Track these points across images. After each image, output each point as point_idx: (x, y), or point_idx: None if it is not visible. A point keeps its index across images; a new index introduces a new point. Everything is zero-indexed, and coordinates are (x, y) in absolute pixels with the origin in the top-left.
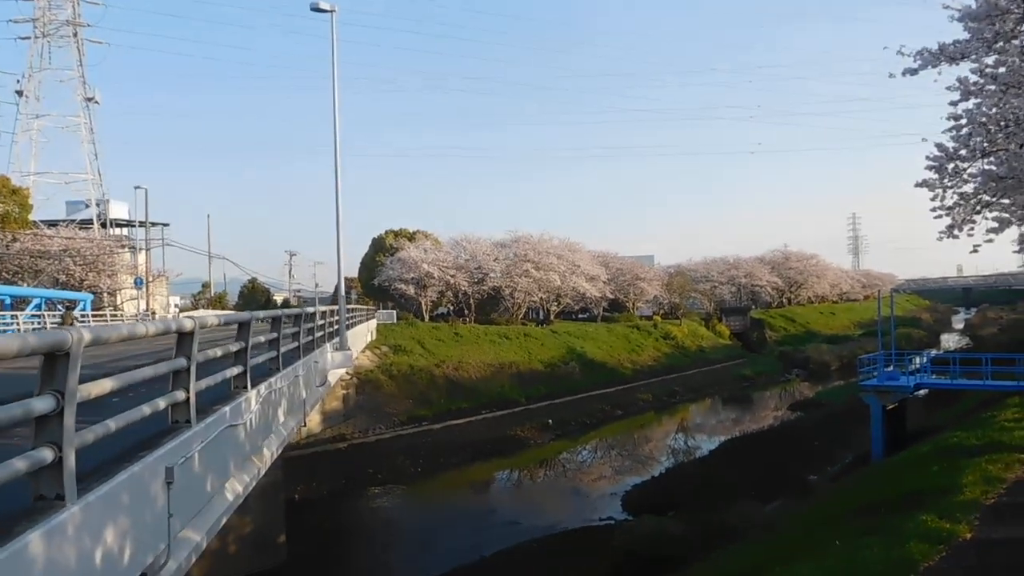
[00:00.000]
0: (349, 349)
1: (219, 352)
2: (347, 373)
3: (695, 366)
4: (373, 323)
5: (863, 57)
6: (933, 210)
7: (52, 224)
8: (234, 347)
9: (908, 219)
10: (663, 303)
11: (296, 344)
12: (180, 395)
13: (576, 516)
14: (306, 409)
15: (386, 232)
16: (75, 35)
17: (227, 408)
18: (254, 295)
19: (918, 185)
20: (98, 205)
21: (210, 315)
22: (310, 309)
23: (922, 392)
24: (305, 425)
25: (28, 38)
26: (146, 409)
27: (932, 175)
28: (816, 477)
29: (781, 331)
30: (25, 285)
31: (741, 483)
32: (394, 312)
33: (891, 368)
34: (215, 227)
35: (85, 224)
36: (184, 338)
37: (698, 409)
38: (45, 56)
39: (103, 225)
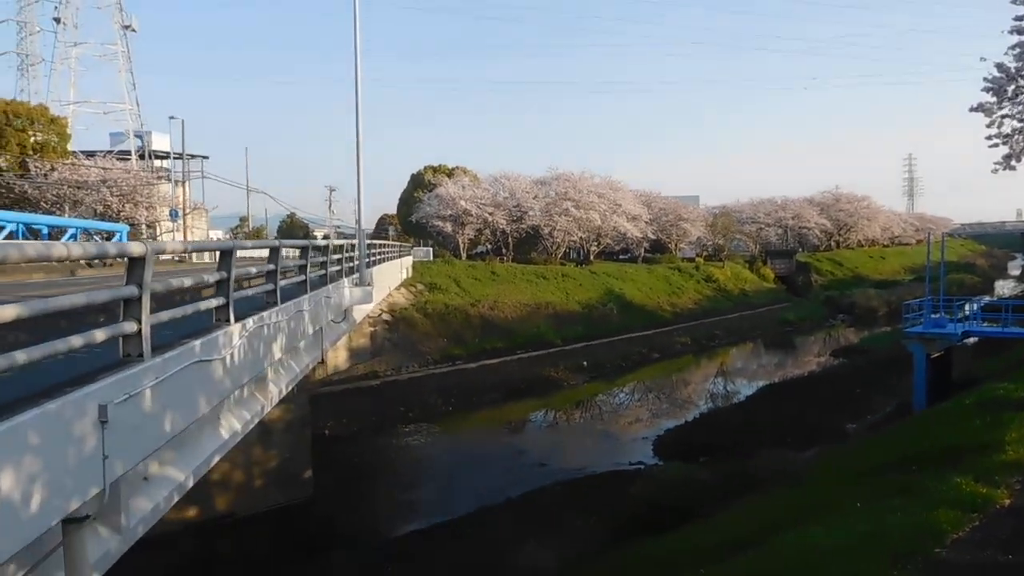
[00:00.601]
0: (369, 285)
1: (188, 281)
2: (380, 310)
3: (737, 310)
4: (408, 260)
5: None
6: (989, 139)
7: (91, 155)
8: (212, 277)
9: (967, 161)
10: (707, 245)
11: (303, 277)
12: (129, 326)
13: (606, 459)
14: (324, 345)
15: (425, 168)
16: None
17: (197, 342)
18: (292, 230)
19: (973, 110)
20: (140, 137)
21: (172, 242)
22: (322, 242)
23: (971, 340)
24: (324, 361)
25: None
26: (76, 341)
27: (989, 99)
28: (855, 425)
29: (828, 275)
30: (66, 215)
31: (777, 430)
32: (431, 250)
33: (938, 315)
34: (257, 162)
35: (124, 155)
36: (135, 263)
37: (738, 353)
38: None
39: (141, 157)
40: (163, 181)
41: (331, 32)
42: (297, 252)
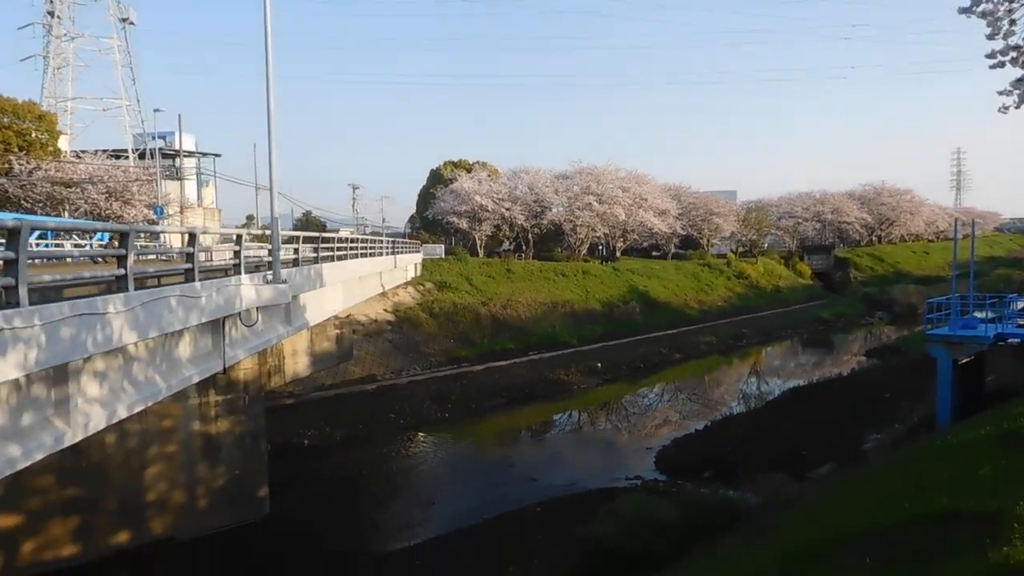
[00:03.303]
0: (284, 282)
1: None
2: (385, 310)
3: (769, 307)
4: (415, 257)
5: None
6: (991, 56)
7: (81, 154)
8: None
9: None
10: (742, 240)
11: (123, 271)
12: None
13: (601, 474)
14: (233, 353)
15: (444, 163)
16: None
17: None
18: (308, 228)
19: (964, 10)
20: (163, 138)
21: None
22: (157, 228)
23: (1015, 341)
24: (224, 372)
25: None
26: None
27: None
28: (880, 436)
29: (867, 271)
30: (65, 215)
31: (794, 440)
32: (442, 247)
33: (968, 315)
34: (280, 162)
35: (121, 152)
36: None
37: (765, 354)
38: None
39: (141, 156)
40: (153, 179)
41: (350, 31)
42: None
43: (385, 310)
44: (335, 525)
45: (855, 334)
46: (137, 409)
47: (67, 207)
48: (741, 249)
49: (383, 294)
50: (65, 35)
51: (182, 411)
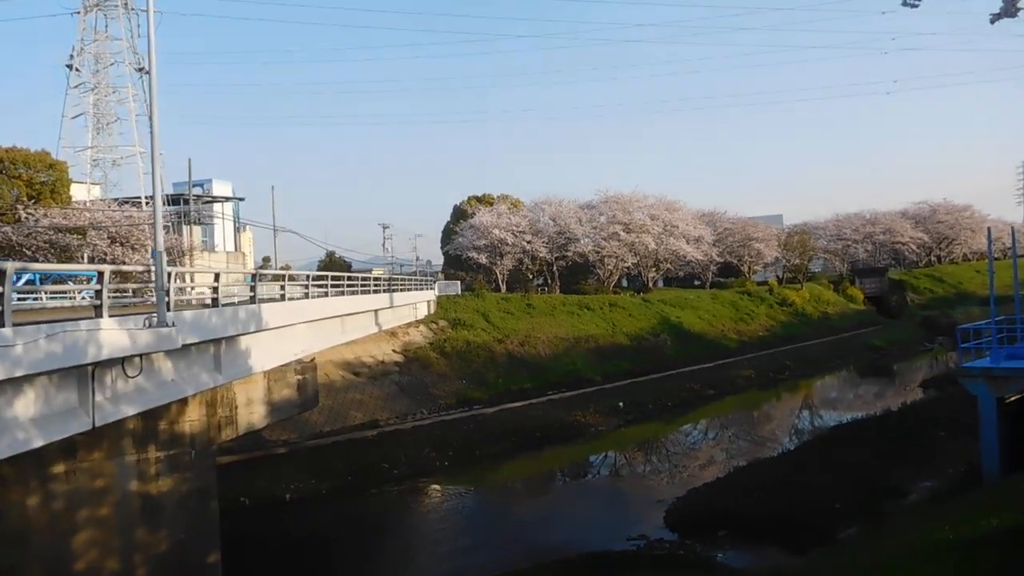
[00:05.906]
0: (170, 326)
1: None
2: (394, 350)
3: (816, 336)
4: (429, 294)
5: None
6: None
7: (126, 202)
8: None
9: None
10: (787, 266)
11: None
12: None
13: (601, 532)
14: (109, 410)
15: (468, 198)
16: (126, 4)
17: None
18: (331, 269)
19: None
20: (200, 186)
21: None
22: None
23: None
24: (94, 428)
25: (79, 12)
26: None
27: None
28: (930, 484)
29: (926, 293)
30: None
31: (825, 491)
32: (458, 283)
33: (1012, 342)
34: (301, 202)
35: (133, 199)
36: None
37: (809, 387)
38: (100, 28)
39: (174, 202)
40: (165, 224)
41: (378, 67)
42: None
43: (393, 350)
44: None
45: (911, 363)
46: None
47: (74, 253)
48: (787, 275)
49: (392, 333)
50: (82, 85)
51: (116, 469)
